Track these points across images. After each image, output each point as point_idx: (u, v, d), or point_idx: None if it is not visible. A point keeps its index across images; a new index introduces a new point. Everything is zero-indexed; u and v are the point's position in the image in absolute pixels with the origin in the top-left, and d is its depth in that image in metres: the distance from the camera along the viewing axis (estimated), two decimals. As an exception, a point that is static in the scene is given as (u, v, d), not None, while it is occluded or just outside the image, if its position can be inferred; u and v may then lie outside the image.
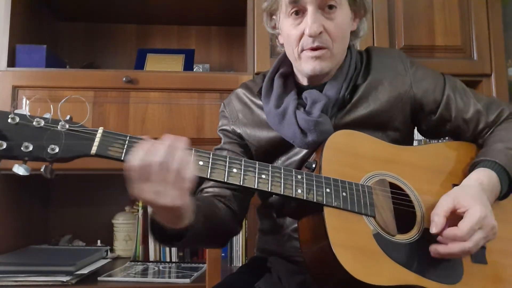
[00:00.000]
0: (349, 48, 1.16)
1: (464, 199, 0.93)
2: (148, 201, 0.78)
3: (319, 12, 1.06)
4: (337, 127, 1.07)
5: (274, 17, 1.17)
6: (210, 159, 0.88)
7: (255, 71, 1.79)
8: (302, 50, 1.09)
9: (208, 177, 0.87)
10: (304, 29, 1.06)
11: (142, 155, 0.77)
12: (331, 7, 1.06)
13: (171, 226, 0.88)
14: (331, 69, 1.11)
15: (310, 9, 1.05)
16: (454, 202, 0.93)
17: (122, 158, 0.81)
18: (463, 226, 0.90)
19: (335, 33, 1.07)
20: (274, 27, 1.18)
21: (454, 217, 0.92)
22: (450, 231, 0.90)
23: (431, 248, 0.92)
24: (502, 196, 1.05)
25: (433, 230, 0.92)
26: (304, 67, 1.10)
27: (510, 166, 1.04)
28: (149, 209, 0.92)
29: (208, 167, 0.87)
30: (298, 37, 1.08)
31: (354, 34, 1.17)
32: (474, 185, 1.00)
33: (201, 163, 0.87)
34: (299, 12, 1.07)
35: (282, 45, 1.19)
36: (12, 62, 1.77)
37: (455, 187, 1.01)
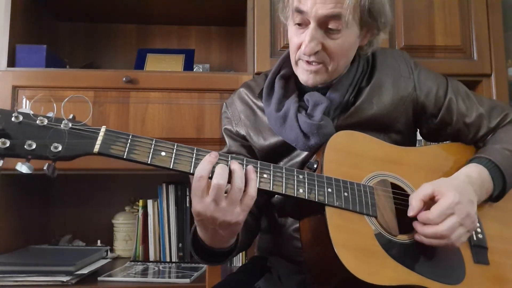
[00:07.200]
0: (357, 52, 1.14)
1: (444, 187, 0.95)
2: (213, 217, 0.83)
3: (320, 30, 1.03)
4: (339, 129, 1.07)
5: (288, 10, 1.11)
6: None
7: (255, 71, 1.79)
8: (299, 59, 1.08)
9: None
10: (302, 42, 1.04)
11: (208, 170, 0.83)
12: (332, 29, 1.03)
13: (220, 247, 0.93)
14: (326, 81, 1.10)
15: (311, 25, 1.02)
16: (434, 189, 0.94)
17: (124, 157, 0.82)
18: (434, 209, 0.92)
19: (334, 52, 1.05)
20: (287, 19, 1.14)
21: (433, 204, 0.94)
22: (423, 214, 0.92)
23: (415, 235, 0.94)
24: (496, 196, 1.05)
25: (410, 213, 0.94)
26: (299, 75, 1.11)
27: (505, 165, 1.04)
28: (191, 232, 0.99)
29: None
30: (297, 46, 1.07)
31: (365, 46, 1.14)
32: (461, 178, 1.01)
33: None
34: (302, 24, 1.05)
35: None
36: (12, 62, 1.76)
37: (442, 178, 1.01)
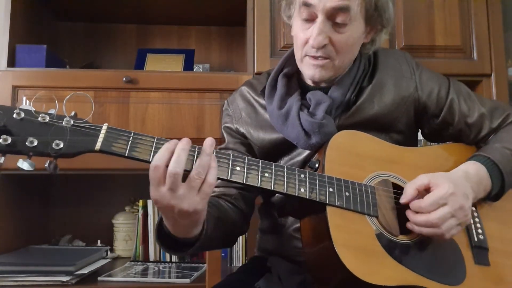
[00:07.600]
0: (358, 51, 1.14)
1: (439, 179, 0.95)
2: (170, 205, 0.79)
3: (328, 23, 1.03)
4: (340, 128, 1.07)
5: (292, 6, 1.13)
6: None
7: (255, 71, 1.79)
8: (305, 55, 1.08)
9: None
10: (310, 36, 1.05)
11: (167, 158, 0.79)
12: (339, 23, 1.03)
13: (183, 236, 0.89)
14: (331, 77, 1.10)
15: (319, 18, 1.03)
16: (430, 180, 0.96)
17: (126, 154, 0.82)
18: (427, 197, 0.93)
19: (341, 46, 1.05)
20: (290, 17, 1.15)
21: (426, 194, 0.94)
22: (416, 202, 0.94)
23: (407, 223, 0.95)
24: (495, 194, 1.05)
25: (402, 200, 0.95)
26: (305, 71, 1.11)
27: (504, 164, 1.04)
28: (157, 219, 0.94)
29: None
30: (303, 42, 1.07)
31: (368, 44, 1.15)
32: (458, 173, 1.02)
33: None
34: (309, 19, 1.05)
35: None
36: (12, 62, 1.76)
37: (440, 172, 1.01)
